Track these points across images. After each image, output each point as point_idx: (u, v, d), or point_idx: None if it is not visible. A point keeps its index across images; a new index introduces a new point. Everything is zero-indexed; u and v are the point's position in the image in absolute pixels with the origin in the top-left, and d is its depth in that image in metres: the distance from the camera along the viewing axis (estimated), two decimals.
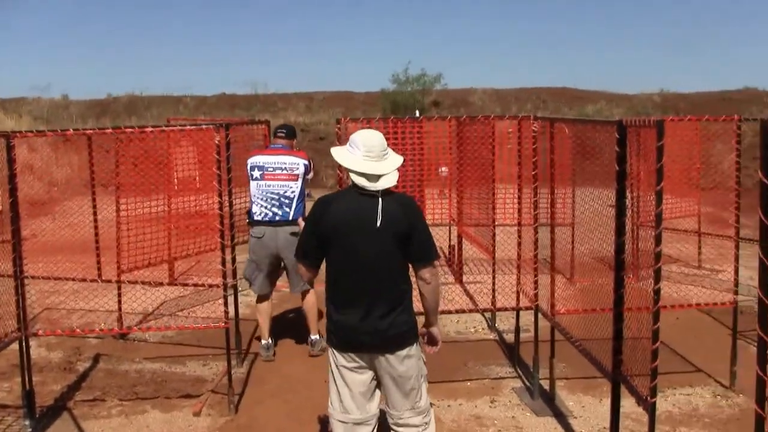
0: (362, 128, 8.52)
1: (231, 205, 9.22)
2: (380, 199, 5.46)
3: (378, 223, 5.41)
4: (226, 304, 8.33)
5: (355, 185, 5.54)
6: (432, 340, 6.00)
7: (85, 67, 79.92)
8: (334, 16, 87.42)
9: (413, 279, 5.71)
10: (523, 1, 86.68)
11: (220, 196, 8.22)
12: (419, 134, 9.77)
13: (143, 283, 10.79)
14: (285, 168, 9.90)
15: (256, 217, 9.90)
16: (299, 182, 9.95)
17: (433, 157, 11.35)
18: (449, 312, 9.33)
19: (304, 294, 10.24)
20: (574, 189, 8.57)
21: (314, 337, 10.29)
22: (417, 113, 33.73)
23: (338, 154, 5.72)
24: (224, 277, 8.29)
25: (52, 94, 44.12)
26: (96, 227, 11.08)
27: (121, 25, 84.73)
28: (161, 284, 10.72)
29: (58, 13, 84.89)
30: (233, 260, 9.16)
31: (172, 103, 41.86)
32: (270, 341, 10.18)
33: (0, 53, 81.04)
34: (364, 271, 5.50)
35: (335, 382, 5.78)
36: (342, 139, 8.20)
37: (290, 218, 9.81)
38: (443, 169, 12.47)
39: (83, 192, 13.09)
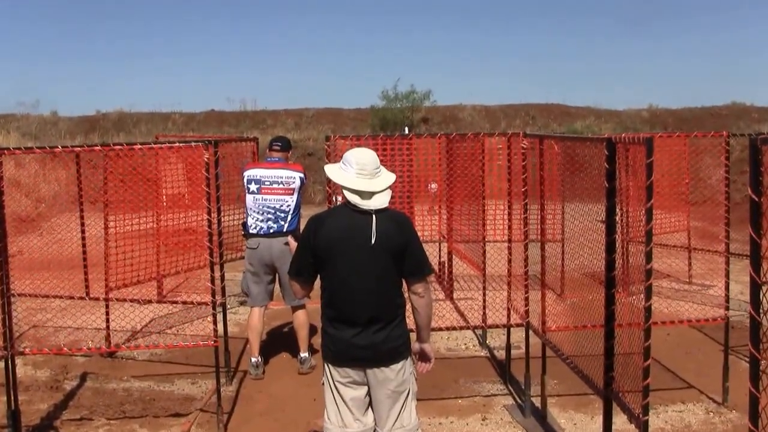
0: (352, 145, 8.56)
1: (219, 222, 9.17)
2: (374, 216, 5.48)
3: (372, 240, 5.43)
4: (215, 322, 8.28)
5: (348, 202, 5.56)
6: (424, 357, 5.98)
7: (73, 84, 79.66)
8: (323, 33, 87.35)
9: (406, 294, 5.70)
10: (512, 19, 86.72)
11: (209, 213, 8.18)
12: (408, 151, 9.75)
13: (131, 300, 10.74)
14: (282, 182, 9.92)
15: (251, 230, 9.89)
16: (295, 196, 9.97)
17: (423, 173, 11.34)
18: (440, 329, 9.30)
19: (295, 309, 10.21)
20: (563, 205, 8.55)
21: (304, 354, 10.24)
22: (406, 130, 33.77)
23: (331, 171, 5.74)
24: (213, 294, 8.24)
25: (40, 110, 43.93)
26: (84, 244, 11.02)
27: (110, 42, 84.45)
28: (150, 302, 10.67)
29: (46, 29, 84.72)
30: (222, 278, 9.12)
31: (160, 119, 41.80)
32: (259, 359, 10.13)
33: None
34: (358, 287, 5.52)
35: (332, 396, 5.77)
36: (331, 157, 8.19)
37: (285, 230, 9.79)
38: (433, 185, 12.46)
39: (71, 208, 13.05)
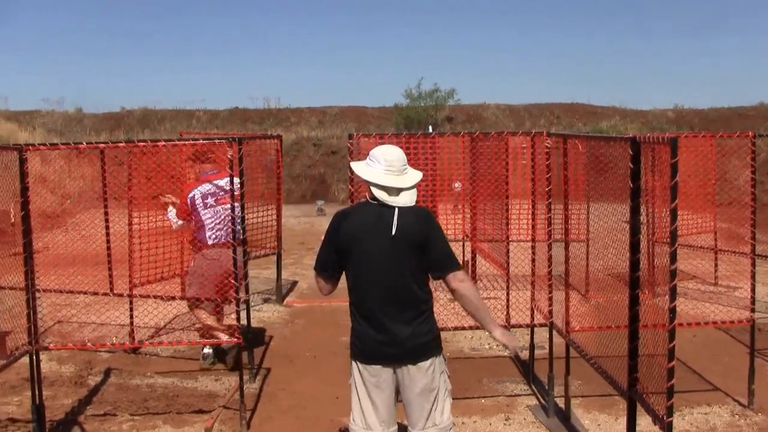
0: (375, 143, 8.53)
1: (243, 219, 9.15)
2: (396, 209, 5.46)
3: (393, 231, 5.41)
4: (238, 319, 8.29)
5: (372, 198, 5.56)
6: (507, 344, 5.85)
7: (98, 81, 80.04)
8: (347, 31, 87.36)
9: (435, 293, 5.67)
10: (536, 18, 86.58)
11: (232, 210, 8.18)
12: (432, 150, 9.74)
13: (155, 297, 10.72)
14: (227, 189, 9.91)
15: (211, 242, 9.95)
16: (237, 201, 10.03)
17: (447, 172, 11.30)
18: (463, 328, 9.23)
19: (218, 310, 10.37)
20: (588, 204, 8.51)
21: (207, 350, 10.40)
22: (430, 129, 33.68)
23: (359, 168, 5.71)
24: (237, 292, 8.24)
25: (65, 107, 44.11)
26: (108, 240, 11.03)
27: (135, 39, 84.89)
28: (173, 298, 10.66)
29: (72, 26, 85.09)
30: (245, 275, 9.11)
31: (185, 116, 41.86)
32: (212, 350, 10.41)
33: (14, 66, 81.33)
34: (381, 281, 5.49)
35: (357, 396, 5.72)
36: (354, 154, 8.18)
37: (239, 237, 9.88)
38: (457, 184, 12.42)
39: (96, 205, 13.04)
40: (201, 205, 9.97)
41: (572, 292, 8.36)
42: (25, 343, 7.88)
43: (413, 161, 9.02)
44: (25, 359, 7.92)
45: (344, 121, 40.86)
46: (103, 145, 9.56)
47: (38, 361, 8.09)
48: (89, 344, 9.84)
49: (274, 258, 13.89)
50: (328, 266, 5.73)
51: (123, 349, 10.59)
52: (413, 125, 37.86)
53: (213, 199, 9.96)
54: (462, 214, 13.12)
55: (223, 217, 9.89)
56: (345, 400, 8.59)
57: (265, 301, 13.59)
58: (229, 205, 9.66)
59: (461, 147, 11.66)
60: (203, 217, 9.97)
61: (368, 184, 5.59)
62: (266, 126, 39.50)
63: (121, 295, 10.56)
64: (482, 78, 77.62)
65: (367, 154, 5.76)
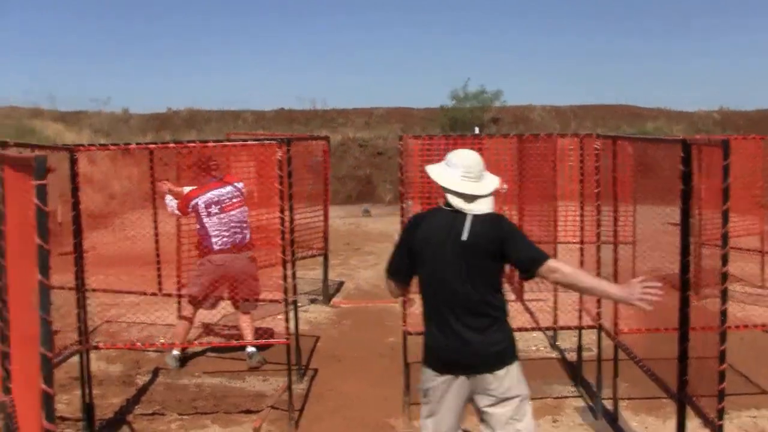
0: (423, 145, 8.53)
1: (292, 220, 9.20)
2: (469, 215, 5.32)
3: (464, 237, 5.27)
4: (287, 319, 8.34)
5: (447, 204, 5.44)
6: (628, 298, 5.34)
7: (145, 81, 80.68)
8: (393, 33, 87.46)
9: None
10: (581, 19, 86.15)
11: (281, 211, 8.21)
12: (480, 151, 9.72)
13: (219, 298, 10.77)
14: (237, 196, 10.23)
15: (217, 247, 10.04)
16: (245, 206, 10.32)
17: (493, 173, 11.29)
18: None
19: (244, 313, 10.49)
20: (635, 206, 8.47)
21: (250, 349, 10.40)
22: (476, 130, 33.61)
23: (435, 172, 5.55)
24: (285, 292, 8.27)
25: (112, 107, 44.45)
26: (157, 240, 11.11)
27: (182, 40, 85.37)
28: (221, 299, 10.72)
29: (119, 27, 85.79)
30: (293, 275, 9.15)
31: (230, 117, 42.03)
32: (181, 353, 10.50)
33: (61, 67, 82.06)
34: (453, 288, 5.35)
35: (428, 404, 5.59)
36: (404, 155, 8.18)
37: (247, 241, 10.24)
38: (504, 185, 12.40)
39: (142, 205, 13.15)
40: (204, 213, 10.06)
41: None
42: (74, 342, 7.95)
43: None
44: (74, 358, 8.00)
45: (390, 122, 40.83)
46: (153, 146, 9.61)
47: (88, 360, 8.18)
48: (138, 344, 9.93)
49: (321, 259, 13.96)
50: (399, 271, 5.68)
51: (171, 348, 10.65)
52: (459, 127, 37.77)
53: (217, 207, 10.05)
54: (509, 216, 13.10)
55: (229, 223, 10.02)
56: (392, 401, 8.66)
57: (312, 301, 13.62)
58: (235, 211, 9.94)
59: (509, 148, 11.65)
60: (207, 225, 10.07)
61: (443, 189, 5.46)
62: (312, 127, 39.53)
63: (169, 295, 10.63)
64: (528, 79, 77.36)
65: (444, 158, 5.63)
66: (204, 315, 11.24)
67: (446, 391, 5.48)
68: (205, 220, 10.05)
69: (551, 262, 5.34)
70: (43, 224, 3.16)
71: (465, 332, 5.35)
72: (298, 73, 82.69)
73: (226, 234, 10.00)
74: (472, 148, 9.41)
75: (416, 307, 9.36)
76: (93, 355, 8.89)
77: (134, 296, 11.93)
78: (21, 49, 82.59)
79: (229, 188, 10.15)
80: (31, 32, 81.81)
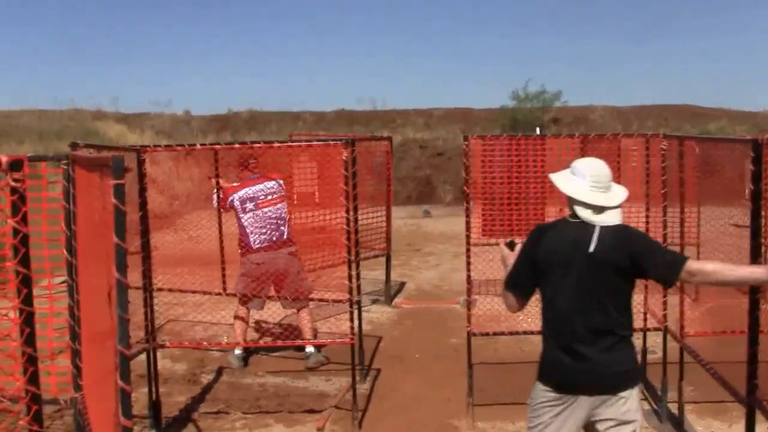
0: (486, 145, 8.49)
1: (356, 220, 9.22)
2: (597, 227, 5.05)
3: (591, 249, 5.01)
4: (352, 319, 8.34)
5: (573, 216, 5.17)
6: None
7: (206, 84, 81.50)
8: (453, 33, 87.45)
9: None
10: (640, 19, 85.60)
11: (347, 211, 8.22)
12: (543, 151, 9.69)
13: (267, 297, 10.83)
14: (274, 192, 10.27)
15: (255, 246, 10.13)
16: (285, 202, 10.36)
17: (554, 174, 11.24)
18: None
19: (300, 310, 10.48)
20: (699, 208, 8.41)
21: (310, 349, 10.40)
22: (538, 130, 33.45)
23: (560, 181, 5.24)
24: (350, 292, 8.29)
25: (173, 109, 44.88)
26: (221, 240, 11.19)
27: (242, 42, 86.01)
28: (286, 299, 10.76)
29: (180, 31, 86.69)
30: (357, 276, 9.16)
31: (291, 118, 42.19)
32: (243, 352, 10.51)
33: (124, 70, 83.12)
34: (578, 304, 5.07)
35: (538, 421, 5.24)
36: (469, 156, 8.16)
37: (285, 237, 10.25)
38: None
39: (204, 206, 13.25)
40: (240, 209, 10.19)
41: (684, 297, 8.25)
42: (140, 341, 8.04)
43: (523, 163, 9.03)
44: (142, 356, 8.08)
45: (450, 122, 40.68)
46: (218, 146, 9.69)
47: (155, 358, 8.26)
48: (204, 343, 10.01)
49: (381, 259, 13.99)
50: (520, 284, 5.34)
51: (235, 347, 10.71)
52: (519, 127, 37.65)
53: (252, 203, 10.15)
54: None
55: (264, 220, 10.11)
56: (455, 403, 8.66)
57: (374, 302, 13.65)
58: (271, 208, 10.02)
59: (571, 149, 11.59)
60: (243, 222, 10.19)
61: (571, 200, 5.16)
62: (372, 128, 39.53)
63: (234, 295, 10.68)
64: (589, 80, 76.93)
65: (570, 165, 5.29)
66: (265, 314, 11.31)
67: (563, 411, 5.15)
68: (241, 216, 10.19)
69: (691, 265, 5.04)
70: (121, 223, 3.18)
71: (591, 352, 5.06)
72: (358, 74, 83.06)
73: (262, 231, 10.09)
74: (534, 149, 9.44)
75: (479, 308, 9.39)
76: (158, 353, 8.97)
77: (196, 295, 12.02)
78: (85, 53, 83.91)
79: (266, 185, 10.24)
80: (95, 37, 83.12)
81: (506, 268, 5.50)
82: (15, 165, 3.87)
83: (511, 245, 5.56)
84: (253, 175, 10.36)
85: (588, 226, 5.07)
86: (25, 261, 4.15)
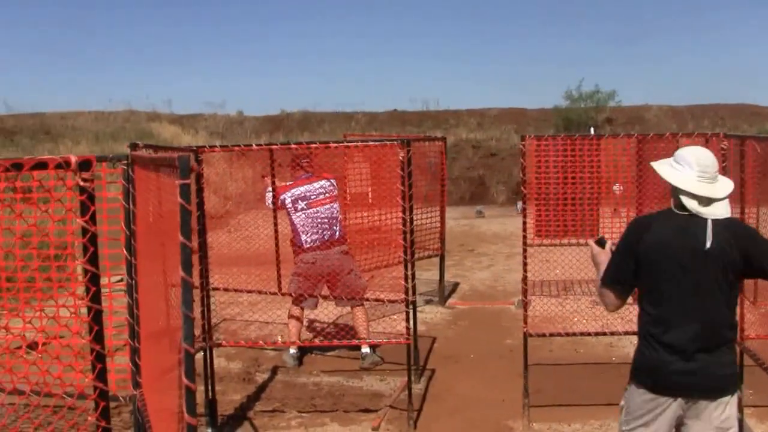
0: (541, 146, 8.46)
1: (412, 220, 9.24)
2: (709, 221, 4.80)
3: (707, 245, 4.77)
4: (407, 319, 8.37)
5: (679, 207, 4.91)
6: None
7: (259, 85, 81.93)
8: (506, 33, 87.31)
9: None
10: (695, 17, 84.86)
11: (403, 211, 8.24)
12: (598, 151, 9.66)
13: (322, 297, 10.88)
14: (326, 191, 10.27)
15: (307, 245, 10.15)
16: (337, 201, 10.37)
17: (611, 175, 11.20)
18: (626, 333, 9.03)
19: (354, 307, 10.47)
20: (758, 208, 8.33)
21: (365, 350, 10.43)
22: (592, 130, 33.28)
23: (665, 170, 4.98)
24: (407, 293, 8.31)
25: (227, 110, 45.25)
26: (276, 240, 11.26)
27: (294, 44, 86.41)
28: (342, 298, 10.82)
29: (235, 33, 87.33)
30: (413, 276, 9.18)
31: (343, 119, 42.28)
32: (298, 351, 10.56)
33: (178, 72, 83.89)
34: (687, 303, 4.84)
35: (633, 423, 5.07)
36: (526, 156, 8.14)
37: (337, 236, 10.25)
38: (616, 186, 12.28)
39: (257, 206, 13.32)
40: (291, 209, 10.23)
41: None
42: (198, 339, 8.11)
43: (578, 162, 9.02)
44: (198, 355, 8.15)
45: (503, 123, 40.52)
46: (275, 146, 9.75)
47: (212, 357, 8.34)
48: (260, 342, 10.07)
49: (435, 260, 13.98)
50: (623, 279, 5.06)
51: (291, 347, 10.77)
52: (573, 127, 37.49)
53: (304, 203, 10.16)
54: (626, 218, 12.97)
55: (316, 219, 10.12)
56: (511, 404, 8.65)
57: (428, 302, 13.65)
58: (323, 207, 10.04)
59: (627, 149, 11.53)
60: (295, 221, 10.22)
61: (676, 191, 4.90)
62: (425, 128, 39.54)
63: (289, 295, 10.74)
64: (643, 79, 76.39)
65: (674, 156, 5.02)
66: (320, 314, 11.36)
67: (661, 414, 4.96)
68: (293, 215, 10.23)
69: None
70: (186, 222, 3.23)
71: (697, 353, 4.84)
72: (411, 75, 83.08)
73: (314, 230, 10.11)
74: (590, 149, 9.42)
75: (534, 309, 9.36)
76: (214, 352, 9.04)
77: (250, 295, 12.10)
78: (139, 56, 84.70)
79: (318, 184, 10.27)
80: (150, 39, 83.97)
81: (598, 267, 5.29)
82: (84, 165, 3.93)
83: (601, 242, 5.40)
84: (306, 174, 10.39)
85: (699, 220, 4.83)
86: (93, 259, 4.21)
